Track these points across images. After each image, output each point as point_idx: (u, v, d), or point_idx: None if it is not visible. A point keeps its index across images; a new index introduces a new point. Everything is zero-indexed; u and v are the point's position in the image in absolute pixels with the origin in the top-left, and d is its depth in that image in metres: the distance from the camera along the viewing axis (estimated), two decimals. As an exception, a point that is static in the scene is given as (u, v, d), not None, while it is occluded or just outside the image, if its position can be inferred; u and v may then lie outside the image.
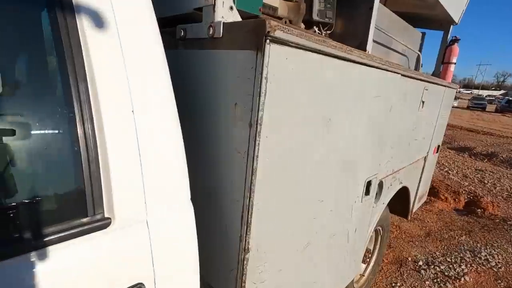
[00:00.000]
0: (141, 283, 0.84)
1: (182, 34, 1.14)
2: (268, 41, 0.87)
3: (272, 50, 0.89)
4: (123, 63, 0.82)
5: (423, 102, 2.38)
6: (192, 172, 1.19)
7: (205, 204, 1.16)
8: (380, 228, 2.83)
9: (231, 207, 1.05)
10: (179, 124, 0.95)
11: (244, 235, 1.03)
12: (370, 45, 1.92)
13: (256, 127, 0.93)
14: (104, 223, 0.78)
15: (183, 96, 1.20)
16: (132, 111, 0.83)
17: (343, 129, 1.37)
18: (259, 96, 0.91)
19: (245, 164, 0.97)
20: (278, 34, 0.87)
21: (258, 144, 0.95)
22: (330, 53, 1.11)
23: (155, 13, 1.19)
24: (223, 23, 0.97)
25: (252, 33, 0.89)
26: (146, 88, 0.87)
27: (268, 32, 0.85)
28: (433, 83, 2.50)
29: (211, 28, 1.00)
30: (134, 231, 0.84)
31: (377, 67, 1.48)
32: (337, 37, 1.91)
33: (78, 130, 0.75)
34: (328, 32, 1.87)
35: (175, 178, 0.95)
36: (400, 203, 3.12)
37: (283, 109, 1.01)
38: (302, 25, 1.74)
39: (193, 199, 1.01)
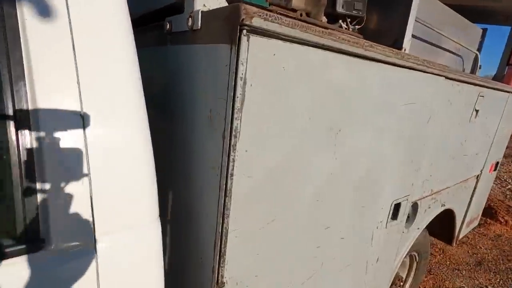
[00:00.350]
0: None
1: (168, 27, 1.00)
2: (245, 31, 0.68)
3: (252, 44, 0.71)
4: (73, 58, 0.70)
5: (476, 111, 1.98)
6: (171, 186, 1.06)
7: (182, 226, 1.01)
8: (416, 254, 2.45)
9: (207, 233, 0.89)
10: (147, 132, 0.82)
11: (217, 266, 0.86)
12: (408, 42, 1.61)
13: (230, 139, 0.75)
14: (36, 245, 0.67)
15: (166, 99, 1.07)
16: (81, 115, 0.71)
17: (359, 143, 1.12)
18: (233, 101, 0.73)
19: (219, 183, 0.80)
20: (258, 22, 0.68)
21: (233, 159, 0.77)
22: (339, 48, 0.89)
23: (147, 5, 1.06)
24: (202, 12, 0.81)
25: (226, 22, 0.71)
26: (102, 89, 0.74)
27: (243, 20, 0.66)
28: (491, 88, 2.07)
29: (190, 18, 0.85)
30: (75, 257, 0.72)
31: (409, 68, 1.21)
32: (369, 33, 1.64)
33: (11, 135, 0.64)
34: (357, 27, 1.61)
35: (138, 195, 0.81)
36: (443, 226, 2.69)
37: (272, 117, 0.82)
38: (324, 19, 1.50)
39: (171, 218, 0.87)
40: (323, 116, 0.94)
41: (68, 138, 0.69)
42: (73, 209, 0.71)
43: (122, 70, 0.77)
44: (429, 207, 1.95)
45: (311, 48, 0.83)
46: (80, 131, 0.71)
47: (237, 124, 0.74)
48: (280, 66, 0.78)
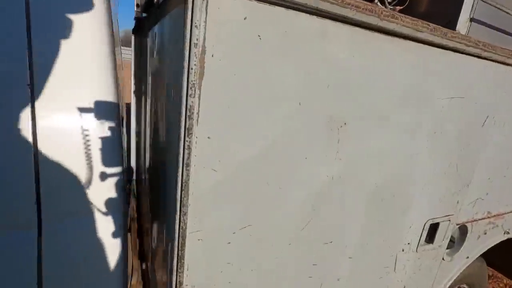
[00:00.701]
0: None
1: (156, 0, 0.91)
2: (199, -15, 0.55)
3: (212, 2, 0.57)
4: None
5: None
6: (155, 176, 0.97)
7: (155, 223, 0.91)
8: (467, 288, 2.02)
9: (167, 232, 0.78)
10: (116, 122, 0.74)
11: (175, 270, 0.73)
12: (463, 25, 1.30)
13: (185, 121, 0.62)
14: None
15: (151, 79, 0.99)
16: (28, 85, 0.65)
17: (375, 142, 0.89)
18: (188, 73, 0.59)
19: (176, 174, 0.67)
20: (214, -28, 0.54)
21: (189, 146, 0.64)
22: (342, 16, 0.69)
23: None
24: (172, -28, 0.70)
25: (181, -24, 0.58)
26: (58, 57, 0.67)
27: (193, -32, 0.53)
28: None
29: (164, -17, 0.74)
30: (18, 236, 0.67)
31: (454, 50, 0.93)
32: (416, 15, 1.36)
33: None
34: (399, 7, 1.34)
35: (94, 184, 0.73)
36: (508, 258, 2.19)
37: (246, 99, 0.67)
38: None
39: (152, 213, 0.78)
40: (319, 103, 0.76)
41: (15, 118, 0.64)
42: (17, 189, 0.65)
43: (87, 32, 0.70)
44: (485, 233, 1.56)
45: (300, 13, 0.66)
46: (28, 110, 0.65)
47: (193, 102, 0.61)
48: (254, 34, 0.63)
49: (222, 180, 0.70)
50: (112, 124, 0.77)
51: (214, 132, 0.66)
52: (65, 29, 0.68)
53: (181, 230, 0.70)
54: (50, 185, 0.69)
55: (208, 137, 0.65)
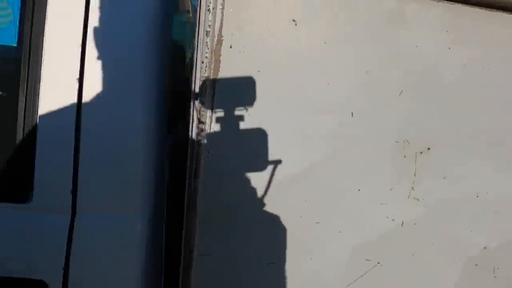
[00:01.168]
0: (42, 281, 0.69)
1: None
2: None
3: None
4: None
5: None
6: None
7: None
8: None
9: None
10: (159, 114, 0.71)
11: (180, 296, 0.64)
12: None
13: (194, 124, 0.52)
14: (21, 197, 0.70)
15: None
16: (77, 79, 0.69)
17: (488, 180, 0.58)
18: (200, 68, 0.50)
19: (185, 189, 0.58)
20: None
21: (198, 155, 0.53)
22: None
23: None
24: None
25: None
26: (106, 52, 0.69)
27: None
28: None
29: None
30: (52, 220, 0.71)
31: None
32: None
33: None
34: None
35: (126, 176, 0.72)
36: None
37: (278, 103, 0.52)
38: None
39: None
40: (384, 116, 0.53)
41: (59, 103, 0.68)
42: (55, 173, 0.70)
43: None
44: None
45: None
46: (74, 96, 0.69)
47: (204, 103, 0.51)
48: (286, 19, 0.48)
49: (239, 202, 0.57)
50: (155, 125, 0.74)
51: (231, 143, 0.53)
52: (117, 31, 0.68)
53: (187, 251, 0.60)
54: (88, 176, 0.71)
55: (223, 147, 0.54)
